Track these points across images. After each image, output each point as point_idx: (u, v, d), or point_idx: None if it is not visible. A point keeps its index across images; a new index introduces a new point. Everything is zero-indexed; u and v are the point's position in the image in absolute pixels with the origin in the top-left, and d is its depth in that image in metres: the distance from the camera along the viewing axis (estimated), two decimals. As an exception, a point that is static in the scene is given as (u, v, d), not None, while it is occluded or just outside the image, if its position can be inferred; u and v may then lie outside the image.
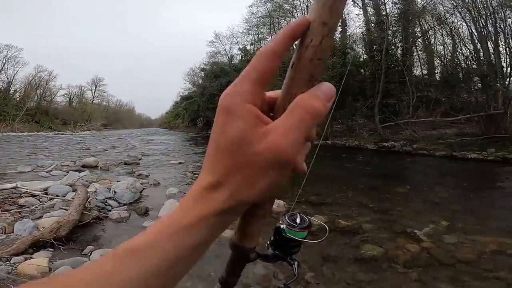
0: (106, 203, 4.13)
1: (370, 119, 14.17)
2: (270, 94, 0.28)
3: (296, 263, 0.41)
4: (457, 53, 15.16)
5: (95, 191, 4.28)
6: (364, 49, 17.05)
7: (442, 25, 14.55)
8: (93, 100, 59.41)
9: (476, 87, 13.03)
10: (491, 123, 11.30)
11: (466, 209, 4.28)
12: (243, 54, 30.55)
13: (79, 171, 6.33)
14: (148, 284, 0.23)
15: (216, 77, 28.63)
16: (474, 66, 14.41)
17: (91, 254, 2.76)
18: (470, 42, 14.28)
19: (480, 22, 13.30)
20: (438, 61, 16.24)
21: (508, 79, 11.81)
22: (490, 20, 12.68)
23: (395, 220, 3.67)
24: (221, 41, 31.71)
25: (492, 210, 4.33)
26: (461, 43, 14.71)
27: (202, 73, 33.89)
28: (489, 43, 13.63)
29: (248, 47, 29.59)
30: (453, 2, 13.42)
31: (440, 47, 16.37)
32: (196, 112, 32.91)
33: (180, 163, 8.95)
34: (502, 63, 12.65)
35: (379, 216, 3.85)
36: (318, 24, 0.24)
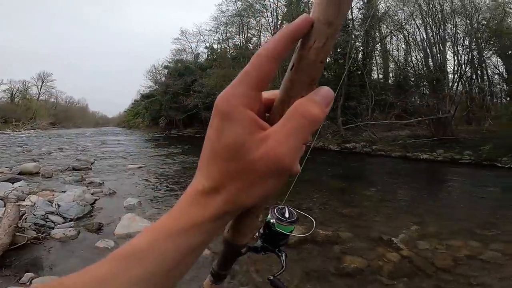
0: (47, 220, 3.49)
1: (333, 120, 14.62)
2: (267, 94, 0.27)
3: (283, 254, 0.43)
4: (410, 58, 16.40)
5: (33, 205, 3.59)
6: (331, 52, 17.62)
7: (399, 31, 15.58)
8: (38, 97, 53.73)
9: (426, 92, 14.15)
10: (439, 126, 12.30)
11: (430, 211, 4.44)
12: (209, 53, 29.77)
13: (15, 180, 5.37)
14: (147, 287, 0.23)
15: (180, 75, 27.49)
16: (423, 72, 15.75)
17: (30, 282, 2.32)
18: (421, 48, 15.53)
19: (433, 29, 14.49)
20: (392, 66, 17.45)
21: (456, 84, 12.99)
22: (441, 27, 13.84)
23: (369, 226, 3.63)
24: (187, 39, 30.50)
25: (452, 211, 4.57)
26: (416, 49, 15.93)
27: (166, 70, 32.33)
28: (435, 49, 14.95)
29: (215, 46, 28.89)
30: (410, 9, 14.45)
31: (396, 53, 17.60)
32: (157, 111, 31.34)
33: (140, 167, 8.19)
34: (450, 69, 13.86)
35: (353, 222, 3.80)
36: (323, 24, 0.22)
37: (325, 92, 0.24)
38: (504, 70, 13.91)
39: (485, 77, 14.27)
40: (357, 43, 14.93)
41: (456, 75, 12.50)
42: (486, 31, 11.99)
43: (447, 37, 13.32)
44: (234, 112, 0.23)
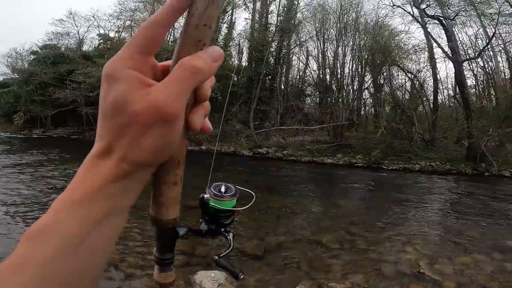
0: None
1: (246, 124, 14.14)
2: (166, 63, 0.28)
3: (230, 234, 0.41)
4: (309, 69, 17.92)
5: None
6: (247, 54, 17.30)
7: (301, 45, 16.73)
8: None
9: (318, 101, 15.58)
10: (337, 133, 13.59)
11: (389, 222, 4.18)
12: (102, 41, 24.26)
13: None
14: (65, 262, 0.23)
15: (54, 63, 21.22)
16: (317, 82, 17.50)
17: None
18: (316, 60, 17.18)
19: (326, 45, 16.14)
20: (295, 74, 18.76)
21: (352, 95, 14.75)
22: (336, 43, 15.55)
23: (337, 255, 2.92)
24: (74, 22, 23.80)
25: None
26: (313, 61, 17.44)
27: (32, 57, 24.41)
28: (328, 62, 16.81)
29: (112, 34, 23.72)
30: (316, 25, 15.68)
31: (298, 63, 18.95)
32: (12, 104, 23.31)
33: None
34: (344, 81, 15.67)
35: (311, 249, 3.00)
36: None
37: (213, 49, 0.26)
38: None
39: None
40: (271, 48, 15.11)
41: (350, 87, 14.21)
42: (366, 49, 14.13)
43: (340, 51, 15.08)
44: (118, 72, 0.24)
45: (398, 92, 14.99)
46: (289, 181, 8.62)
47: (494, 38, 11.74)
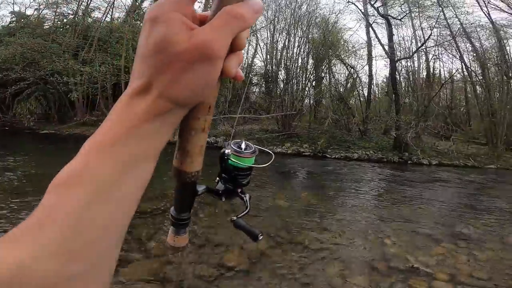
0: None
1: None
2: (203, 13, 0.29)
3: (247, 195, 0.40)
4: (258, 58, 17.69)
5: None
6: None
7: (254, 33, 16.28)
8: None
9: (277, 90, 15.63)
10: (286, 122, 13.83)
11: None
12: (15, 19, 18.96)
13: None
14: (100, 210, 0.22)
15: None
16: (264, 71, 17.47)
17: None
18: (264, 50, 17.05)
19: (277, 35, 16.06)
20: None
21: (298, 86, 15.03)
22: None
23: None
24: None
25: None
26: (262, 51, 17.19)
27: None
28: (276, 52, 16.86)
29: (30, 12, 18.57)
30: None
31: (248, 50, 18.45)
32: None
33: None
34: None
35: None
36: None
37: (255, 1, 0.26)
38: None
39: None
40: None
41: (298, 78, 14.49)
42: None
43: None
44: (163, 15, 0.24)
45: (338, 85, 15.96)
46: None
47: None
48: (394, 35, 12.57)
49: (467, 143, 14.69)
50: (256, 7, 0.26)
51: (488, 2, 15.12)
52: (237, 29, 0.26)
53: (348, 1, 13.03)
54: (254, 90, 18.40)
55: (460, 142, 14.56)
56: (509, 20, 16.34)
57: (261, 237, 0.39)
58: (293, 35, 14.36)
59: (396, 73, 13.32)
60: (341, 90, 14.95)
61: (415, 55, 15.29)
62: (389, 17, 12.20)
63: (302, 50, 14.03)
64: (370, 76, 14.98)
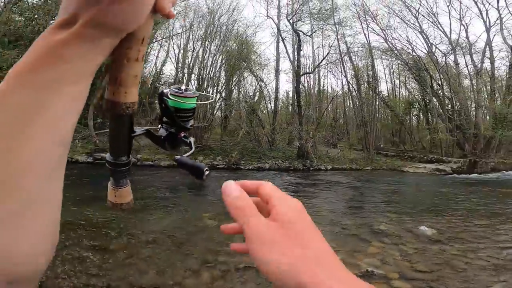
0: None
1: (82, 123, 10.95)
2: None
3: (191, 138, 0.39)
4: (174, 65, 16.49)
5: None
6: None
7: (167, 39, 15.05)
8: None
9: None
10: (198, 134, 13.28)
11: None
12: None
13: None
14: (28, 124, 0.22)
15: None
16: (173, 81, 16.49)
17: None
18: (175, 59, 16.13)
19: (191, 44, 15.42)
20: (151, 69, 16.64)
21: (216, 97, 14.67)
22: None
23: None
24: None
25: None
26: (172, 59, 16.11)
27: None
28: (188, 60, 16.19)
29: None
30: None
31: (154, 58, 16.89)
32: None
33: None
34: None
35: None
36: None
37: None
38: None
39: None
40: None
41: (210, 88, 14.18)
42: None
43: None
44: None
45: (247, 98, 16.58)
46: (147, 191, 7.28)
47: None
48: (301, 50, 14.12)
49: (350, 149, 17.83)
50: None
51: (368, 26, 19.27)
52: None
53: (268, 16, 13.85)
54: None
55: (345, 148, 17.53)
56: (380, 42, 21.25)
57: (207, 172, 0.36)
58: (208, 45, 14.10)
59: (300, 86, 14.93)
60: (250, 102, 15.53)
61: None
62: (301, 33, 13.62)
63: (216, 61, 13.93)
64: (277, 89, 16.25)
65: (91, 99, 11.16)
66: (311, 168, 13.46)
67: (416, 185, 9.95)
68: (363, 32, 19.53)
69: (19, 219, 0.20)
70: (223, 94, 15.49)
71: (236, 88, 16.03)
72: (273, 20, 14.76)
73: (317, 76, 19.64)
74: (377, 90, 19.78)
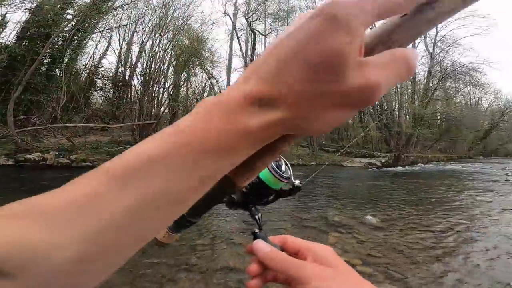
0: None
1: (0, 120, 9.29)
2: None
3: (260, 214, 0.39)
4: (109, 60, 14.91)
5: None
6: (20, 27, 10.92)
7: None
8: None
9: (132, 96, 13.70)
10: (144, 132, 12.48)
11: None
12: None
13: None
14: (145, 221, 0.19)
15: None
16: (113, 76, 15.07)
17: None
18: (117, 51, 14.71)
19: (137, 37, 14.19)
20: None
21: (159, 93, 13.73)
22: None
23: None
24: None
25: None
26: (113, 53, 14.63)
27: None
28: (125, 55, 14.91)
29: None
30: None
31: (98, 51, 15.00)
32: None
33: None
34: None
35: None
36: None
37: (415, 52, 0.21)
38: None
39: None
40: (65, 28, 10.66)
41: (157, 84, 13.34)
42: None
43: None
44: (351, 21, 0.18)
45: (196, 94, 16.17)
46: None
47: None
48: (256, 49, 14.27)
49: (296, 146, 18.88)
50: (414, 65, 0.20)
51: None
52: (399, 80, 0.20)
53: (225, 13, 13.54)
54: (97, 94, 15.37)
55: (292, 145, 18.46)
56: None
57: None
58: (158, 39, 13.19)
59: None
60: (198, 99, 15.18)
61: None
62: (257, 32, 13.71)
63: (165, 56, 13.14)
64: (228, 85, 16.16)
65: (12, 94, 9.47)
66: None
67: (354, 178, 11.08)
68: None
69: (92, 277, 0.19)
70: (170, 91, 14.80)
71: (185, 85, 15.46)
72: (230, 18, 14.64)
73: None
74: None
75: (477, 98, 38.16)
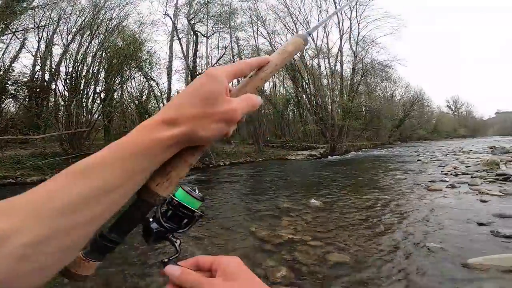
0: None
1: None
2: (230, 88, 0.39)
3: (178, 241, 0.38)
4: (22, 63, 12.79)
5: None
6: None
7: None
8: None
9: (58, 103, 12.10)
10: (75, 142, 11.29)
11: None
12: None
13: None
14: (92, 206, 0.26)
15: None
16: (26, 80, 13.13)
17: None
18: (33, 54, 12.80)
19: (59, 39, 12.48)
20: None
21: (89, 99, 12.38)
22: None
23: None
24: None
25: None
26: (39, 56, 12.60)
27: None
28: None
29: None
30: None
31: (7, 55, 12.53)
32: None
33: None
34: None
35: None
36: (273, 64, 0.40)
37: (258, 97, 0.37)
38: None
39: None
40: None
41: (88, 89, 12.05)
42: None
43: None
44: (219, 77, 0.33)
45: (134, 98, 15.19)
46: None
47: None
48: (198, 51, 13.96)
49: (243, 144, 19.29)
50: (259, 101, 0.37)
51: (258, 29, 21.09)
52: (249, 110, 0.35)
53: (166, 14, 12.78)
54: (10, 103, 13.19)
55: (239, 144, 18.84)
56: (266, 45, 23.52)
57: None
58: (86, 41, 11.84)
59: None
60: (140, 102, 14.32)
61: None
62: (199, 33, 13.37)
63: (97, 59, 11.90)
64: (169, 89, 15.56)
65: None
66: (210, 165, 13.79)
67: (298, 169, 11.96)
68: (254, 35, 21.39)
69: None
70: (102, 95, 13.59)
71: (120, 88, 14.35)
72: (171, 19, 14.04)
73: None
74: (262, 89, 22.01)
75: (392, 91, 44.32)
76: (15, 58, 12.45)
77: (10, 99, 12.97)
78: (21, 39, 12.54)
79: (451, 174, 7.17)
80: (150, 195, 0.32)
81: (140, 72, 13.74)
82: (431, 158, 11.84)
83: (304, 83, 24.20)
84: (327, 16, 0.66)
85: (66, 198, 0.24)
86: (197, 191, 0.39)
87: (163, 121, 0.30)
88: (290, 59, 0.44)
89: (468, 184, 5.65)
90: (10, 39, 12.08)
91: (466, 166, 8.16)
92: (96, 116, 12.91)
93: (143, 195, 0.32)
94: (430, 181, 6.31)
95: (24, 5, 11.04)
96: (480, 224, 3.28)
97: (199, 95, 0.31)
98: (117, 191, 0.27)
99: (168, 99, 15.53)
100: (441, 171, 7.80)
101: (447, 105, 75.00)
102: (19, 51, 12.55)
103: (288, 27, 23.32)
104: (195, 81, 0.33)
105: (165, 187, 0.32)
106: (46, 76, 13.13)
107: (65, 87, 11.58)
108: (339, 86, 25.74)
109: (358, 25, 25.39)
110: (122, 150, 0.28)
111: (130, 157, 0.27)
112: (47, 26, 12.00)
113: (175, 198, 0.37)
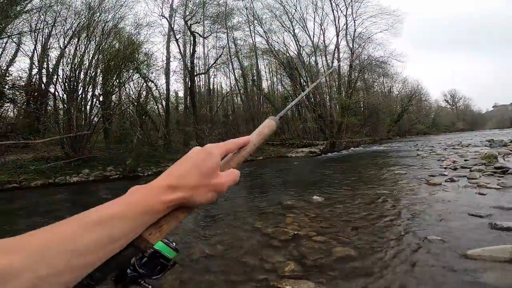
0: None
1: None
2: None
3: (150, 287, 0.39)
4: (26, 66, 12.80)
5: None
6: None
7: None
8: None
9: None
10: (76, 145, 11.35)
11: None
12: None
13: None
14: (98, 249, 0.31)
15: None
16: (24, 83, 13.13)
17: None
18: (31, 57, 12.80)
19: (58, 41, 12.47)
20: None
21: (88, 102, 12.41)
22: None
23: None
24: None
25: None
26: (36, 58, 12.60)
27: None
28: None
29: None
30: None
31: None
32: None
33: None
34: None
35: None
36: (252, 144, 0.49)
37: (238, 173, 0.45)
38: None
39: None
40: None
41: (86, 93, 12.09)
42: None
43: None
44: (216, 155, 0.42)
45: (133, 100, 15.21)
46: (17, 218, 5.89)
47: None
48: (196, 51, 14.01)
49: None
50: (238, 178, 0.44)
51: (254, 28, 21.17)
52: (233, 184, 0.43)
53: (162, 15, 12.81)
54: (8, 107, 13.22)
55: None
56: (263, 44, 23.58)
57: None
58: (83, 43, 11.86)
59: (196, 85, 14.93)
60: (140, 104, 14.35)
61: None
62: (197, 34, 13.40)
63: (94, 62, 11.92)
64: (168, 90, 15.61)
65: None
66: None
67: (299, 166, 12.06)
68: (250, 34, 21.46)
69: None
70: (101, 98, 13.62)
71: (118, 90, 14.38)
72: (167, 20, 14.05)
73: (207, 76, 20.16)
74: (260, 87, 22.13)
75: (389, 87, 44.40)
76: (11, 62, 12.46)
77: (9, 104, 12.98)
78: (17, 43, 12.56)
79: (450, 168, 7.28)
80: (143, 242, 0.36)
81: (138, 74, 13.75)
82: (430, 153, 11.94)
83: (302, 80, 24.26)
84: (298, 97, 0.78)
85: (80, 241, 0.29)
86: (174, 244, 0.43)
87: (168, 187, 0.36)
88: (266, 139, 0.52)
89: (467, 178, 5.75)
90: (6, 43, 12.10)
91: (465, 160, 8.26)
92: (96, 119, 12.96)
93: (136, 241, 0.35)
94: (429, 176, 6.41)
95: (18, 9, 11.05)
96: (479, 217, 3.39)
97: (199, 169, 0.39)
98: (121, 240, 0.32)
99: (167, 100, 15.60)
100: (440, 165, 7.90)
101: (445, 99, 75.31)
102: (15, 54, 12.57)
103: (284, 25, 23.36)
104: (196, 155, 0.40)
105: (156, 237, 0.37)
106: (44, 79, 13.13)
107: (64, 91, 11.61)
108: (337, 83, 25.81)
109: (354, 22, 25.45)
110: (135, 207, 0.34)
111: (139, 215, 0.34)
112: (42, 29, 12.00)
113: (154, 248, 0.40)
